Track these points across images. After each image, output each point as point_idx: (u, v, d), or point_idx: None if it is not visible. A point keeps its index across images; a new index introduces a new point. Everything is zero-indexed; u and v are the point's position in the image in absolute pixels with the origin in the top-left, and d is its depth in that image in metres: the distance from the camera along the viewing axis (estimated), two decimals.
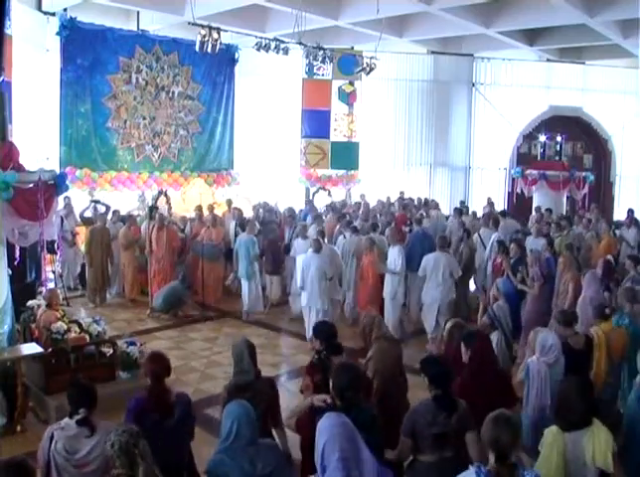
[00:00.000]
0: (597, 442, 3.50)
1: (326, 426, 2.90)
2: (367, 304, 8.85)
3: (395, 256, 8.98)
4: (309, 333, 8.18)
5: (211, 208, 12.04)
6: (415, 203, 15.07)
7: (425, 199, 15.67)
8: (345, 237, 10.34)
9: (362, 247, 9.49)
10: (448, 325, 5.46)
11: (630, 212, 13.56)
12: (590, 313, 6.37)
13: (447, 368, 4.06)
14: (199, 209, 12.14)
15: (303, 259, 8.88)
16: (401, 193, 16.09)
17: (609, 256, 8.86)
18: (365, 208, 13.84)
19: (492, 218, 11.35)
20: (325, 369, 4.28)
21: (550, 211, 13.81)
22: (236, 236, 11.34)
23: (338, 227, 11.16)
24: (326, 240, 9.96)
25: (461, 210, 12.86)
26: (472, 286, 10.70)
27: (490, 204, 14.82)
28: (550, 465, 3.51)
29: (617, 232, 11.96)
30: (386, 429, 3.85)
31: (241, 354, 4.33)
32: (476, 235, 10.71)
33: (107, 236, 10.75)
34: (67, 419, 3.66)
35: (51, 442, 3.56)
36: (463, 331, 5.15)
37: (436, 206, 14.59)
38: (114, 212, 11.62)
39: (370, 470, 2.82)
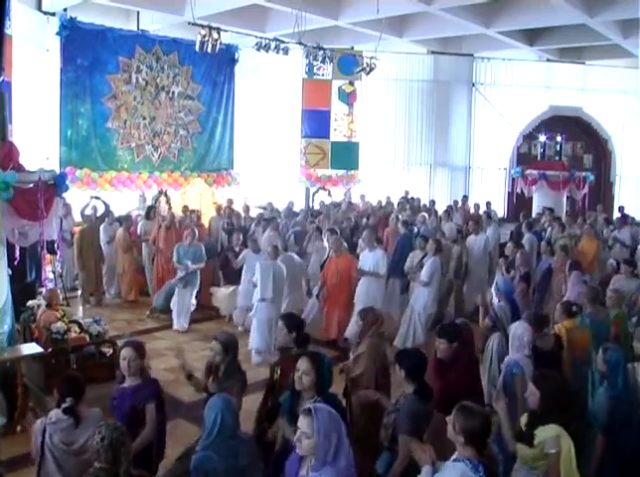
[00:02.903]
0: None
1: (332, 418, 2.95)
2: (337, 307, 8.51)
3: (376, 260, 8.48)
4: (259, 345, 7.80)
5: (185, 208, 12.03)
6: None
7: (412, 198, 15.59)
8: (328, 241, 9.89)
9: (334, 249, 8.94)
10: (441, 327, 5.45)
11: (621, 209, 13.59)
12: None
13: (424, 360, 4.09)
14: (192, 211, 12.04)
15: (270, 267, 8.05)
16: (406, 192, 16.05)
17: (611, 260, 8.82)
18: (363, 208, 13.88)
19: (475, 220, 11.39)
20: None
21: (552, 210, 13.80)
22: (227, 234, 11.30)
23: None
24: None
25: (449, 212, 12.89)
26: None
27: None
28: (569, 464, 3.52)
29: (615, 232, 11.97)
30: (368, 423, 4.05)
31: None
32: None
33: (97, 236, 10.66)
34: (54, 411, 3.78)
35: (44, 436, 3.66)
36: (470, 331, 5.17)
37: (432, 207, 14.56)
38: (109, 213, 11.58)
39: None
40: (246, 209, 12.91)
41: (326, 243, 9.87)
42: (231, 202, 13.01)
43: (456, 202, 15.77)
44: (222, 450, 3.31)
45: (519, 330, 4.95)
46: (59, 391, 3.83)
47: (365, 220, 12.51)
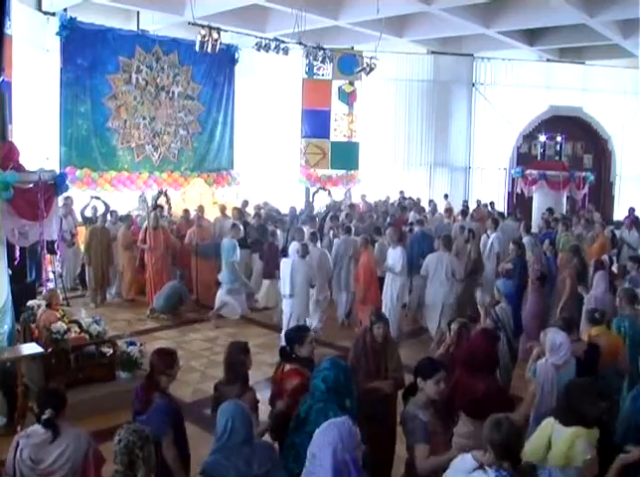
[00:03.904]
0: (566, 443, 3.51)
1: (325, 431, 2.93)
2: (366, 304, 8.83)
3: (396, 257, 8.94)
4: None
5: (201, 208, 12.01)
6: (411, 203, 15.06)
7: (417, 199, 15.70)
8: (339, 238, 10.21)
9: (357, 247, 9.49)
10: (454, 326, 5.40)
11: (631, 210, 13.57)
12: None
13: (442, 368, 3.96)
14: (187, 210, 12.05)
15: (289, 265, 8.42)
16: (402, 192, 16.15)
17: (605, 256, 8.86)
18: (364, 208, 13.89)
19: (491, 218, 11.41)
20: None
21: (551, 211, 13.80)
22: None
23: (329, 228, 11.25)
24: (318, 244, 9.89)
25: (465, 211, 12.90)
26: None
27: (485, 205, 14.97)
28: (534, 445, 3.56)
29: (617, 232, 11.97)
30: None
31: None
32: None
33: (107, 235, 10.75)
34: (33, 427, 3.59)
35: (16, 451, 3.48)
36: (470, 331, 5.13)
37: (435, 207, 14.60)
38: (112, 212, 11.61)
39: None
40: (258, 209, 12.96)
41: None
42: (246, 203, 13.03)
43: (466, 201, 15.91)
44: (233, 456, 3.20)
45: (558, 338, 4.75)
46: (38, 404, 3.66)
47: (389, 218, 12.75)
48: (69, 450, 3.46)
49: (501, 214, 13.39)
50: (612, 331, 5.71)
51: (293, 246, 9.25)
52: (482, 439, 3.05)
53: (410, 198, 15.77)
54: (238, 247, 9.69)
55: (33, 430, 3.55)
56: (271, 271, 10.03)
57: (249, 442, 3.27)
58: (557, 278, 8.68)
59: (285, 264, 8.49)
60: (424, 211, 14.04)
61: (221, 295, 9.70)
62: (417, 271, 9.34)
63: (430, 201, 15.63)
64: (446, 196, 16.79)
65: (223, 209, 12.34)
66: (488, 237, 10.64)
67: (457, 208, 14.58)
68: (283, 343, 6.87)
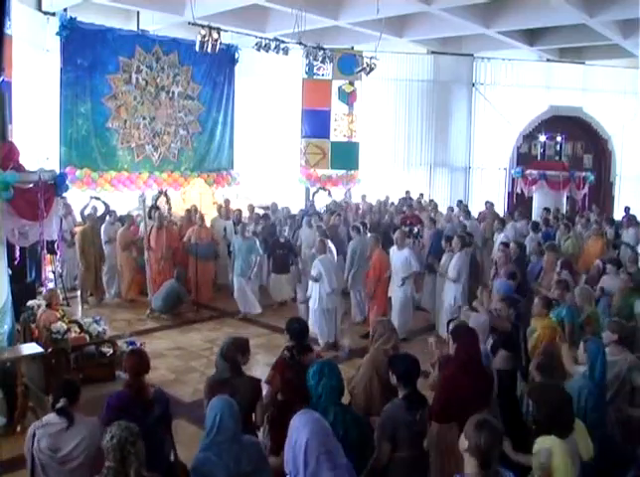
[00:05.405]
0: (582, 438, 3.59)
1: (303, 423, 2.97)
2: (375, 302, 9.03)
3: (406, 258, 8.91)
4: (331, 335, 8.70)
5: (194, 208, 12.09)
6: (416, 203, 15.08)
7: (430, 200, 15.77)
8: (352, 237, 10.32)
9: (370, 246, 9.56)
10: (452, 326, 5.44)
11: (626, 209, 13.58)
12: None
13: (416, 365, 4.03)
14: (190, 210, 12.07)
15: (327, 261, 8.82)
16: (407, 192, 16.09)
17: (597, 261, 8.79)
18: (367, 208, 13.99)
19: (499, 219, 11.46)
20: (296, 367, 4.34)
21: (548, 210, 13.80)
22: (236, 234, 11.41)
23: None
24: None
25: (469, 211, 13.01)
26: None
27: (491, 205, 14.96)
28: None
29: (620, 232, 11.98)
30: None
31: (219, 352, 4.53)
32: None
33: (98, 236, 10.69)
34: (48, 416, 3.73)
35: (33, 441, 3.61)
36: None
37: (435, 207, 14.59)
38: (111, 213, 11.60)
39: (344, 464, 2.96)
40: (251, 209, 12.96)
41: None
42: (228, 201, 13.01)
43: (460, 201, 15.87)
44: (222, 453, 3.23)
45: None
46: (53, 394, 3.80)
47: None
48: (86, 439, 3.58)
49: (511, 214, 13.42)
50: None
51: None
52: (464, 441, 2.95)
53: (410, 198, 15.76)
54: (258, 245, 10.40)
55: (48, 420, 3.68)
56: (283, 267, 10.47)
57: (239, 439, 3.33)
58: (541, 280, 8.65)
59: (327, 261, 8.75)
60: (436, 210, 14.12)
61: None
62: (429, 271, 9.50)
63: (431, 200, 15.65)
64: (422, 195, 16.56)
65: (219, 209, 12.35)
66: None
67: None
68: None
